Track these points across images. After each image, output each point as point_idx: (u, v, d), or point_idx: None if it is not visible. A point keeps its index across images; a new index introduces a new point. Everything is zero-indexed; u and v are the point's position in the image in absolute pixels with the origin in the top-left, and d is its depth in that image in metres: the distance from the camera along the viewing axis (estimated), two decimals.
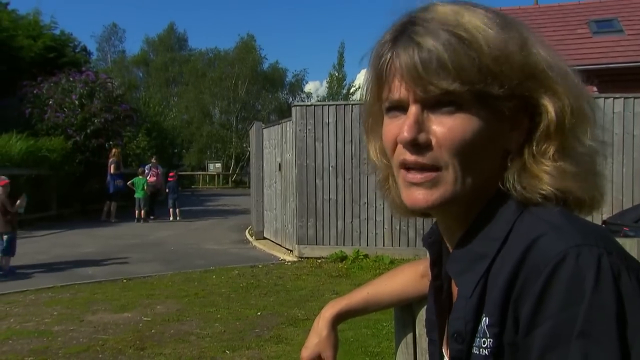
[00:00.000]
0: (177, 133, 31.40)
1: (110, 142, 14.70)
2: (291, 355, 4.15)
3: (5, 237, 7.11)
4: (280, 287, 6.51)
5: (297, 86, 42.72)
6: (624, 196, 7.52)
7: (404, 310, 1.13)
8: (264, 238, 10.36)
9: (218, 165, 36.45)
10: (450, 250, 0.77)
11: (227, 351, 4.32)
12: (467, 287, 0.69)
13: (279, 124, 9.51)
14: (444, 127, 0.66)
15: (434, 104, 0.67)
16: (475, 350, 0.67)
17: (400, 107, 0.69)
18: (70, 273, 7.47)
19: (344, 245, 8.14)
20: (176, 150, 30.77)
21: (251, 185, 11.82)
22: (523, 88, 0.67)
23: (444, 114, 0.67)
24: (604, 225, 5.88)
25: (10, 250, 7.20)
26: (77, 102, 14.48)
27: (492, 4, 0.71)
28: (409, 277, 1.08)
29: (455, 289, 0.78)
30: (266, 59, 41.11)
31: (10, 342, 4.57)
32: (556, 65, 0.69)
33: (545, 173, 0.67)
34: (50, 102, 14.32)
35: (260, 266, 7.89)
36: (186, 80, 40.44)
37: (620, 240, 0.81)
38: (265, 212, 10.41)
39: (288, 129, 8.75)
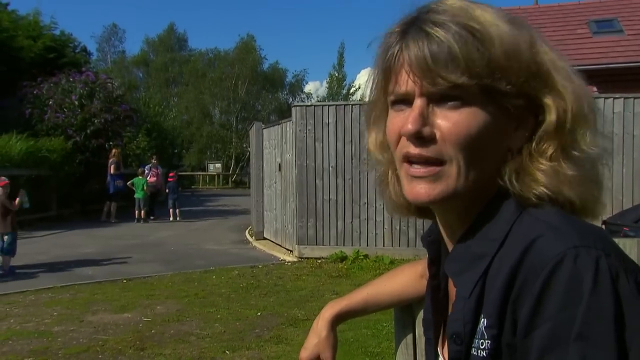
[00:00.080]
0: (177, 133, 31.37)
1: (110, 143, 14.70)
2: (291, 356, 4.14)
3: (5, 237, 7.12)
4: (280, 288, 6.50)
5: (297, 86, 42.70)
6: (624, 196, 7.51)
7: (404, 310, 1.13)
8: (264, 238, 10.35)
9: (218, 165, 36.44)
10: (450, 248, 0.77)
11: (227, 351, 4.32)
12: (466, 287, 0.69)
13: (279, 124, 9.50)
14: (449, 121, 0.66)
15: (439, 98, 0.67)
16: (473, 352, 0.67)
17: (406, 101, 0.69)
18: (70, 273, 7.47)
19: (344, 245, 8.13)
20: (176, 151, 30.73)
21: (251, 186, 11.82)
22: (529, 86, 0.67)
23: (450, 109, 0.66)
24: (603, 226, 5.88)
25: (10, 250, 7.20)
26: (77, 102, 14.48)
27: (492, 4, 0.71)
28: (409, 277, 1.08)
29: (452, 289, 0.77)
30: (266, 59, 41.12)
31: (10, 342, 4.57)
32: (561, 66, 0.69)
33: (540, 172, 0.67)
34: (50, 102, 14.31)
35: (260, 266, 7.88)
36: (186, 80, 40.41)
37: (620, 241, 0.80)
38: (265, 212, 10.40)
39: (288, 129, 8.74)
